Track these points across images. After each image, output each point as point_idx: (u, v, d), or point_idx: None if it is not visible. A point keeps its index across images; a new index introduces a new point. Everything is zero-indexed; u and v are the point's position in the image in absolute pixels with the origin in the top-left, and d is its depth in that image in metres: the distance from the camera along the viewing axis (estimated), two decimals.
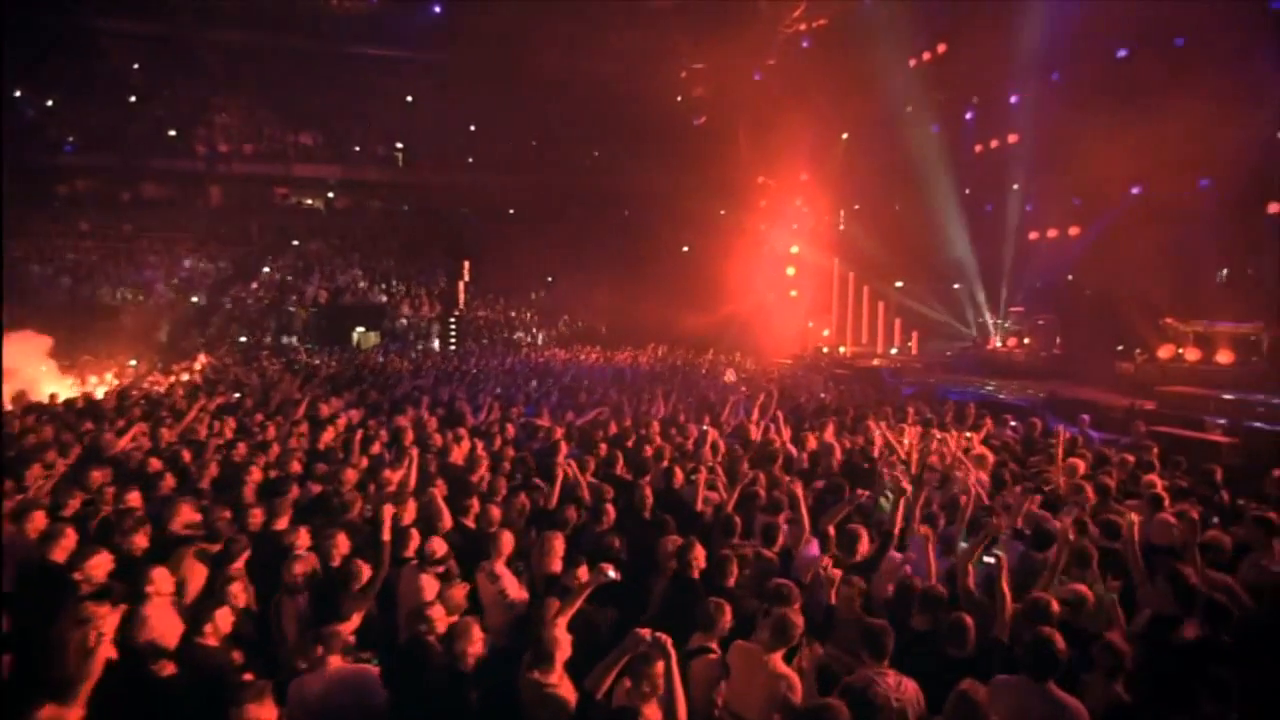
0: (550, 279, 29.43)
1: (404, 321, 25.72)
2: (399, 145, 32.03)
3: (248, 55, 27.55)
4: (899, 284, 21.04)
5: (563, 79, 25.82)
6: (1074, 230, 17.19)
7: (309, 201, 32.46)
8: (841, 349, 20.17)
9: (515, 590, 4.47)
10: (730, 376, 14.07)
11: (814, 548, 4.96)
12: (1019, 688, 3.30)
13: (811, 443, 7.59)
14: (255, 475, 5.87)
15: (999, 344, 17.77)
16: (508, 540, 4.51)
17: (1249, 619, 4.12)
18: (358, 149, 31.18)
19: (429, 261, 29.99)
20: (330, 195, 32.14)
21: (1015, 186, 18.40)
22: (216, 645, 3.64)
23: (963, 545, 4.89)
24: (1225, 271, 14.31)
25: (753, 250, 22.76)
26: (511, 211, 32.38)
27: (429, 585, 4.26)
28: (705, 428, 7.72)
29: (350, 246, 29.88)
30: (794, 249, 22.07)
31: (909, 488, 5.94)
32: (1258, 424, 9.11)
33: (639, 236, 27.02)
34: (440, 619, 3.64)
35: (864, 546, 4.63)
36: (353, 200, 32.62)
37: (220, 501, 5.41)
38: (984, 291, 19.33)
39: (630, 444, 7.57)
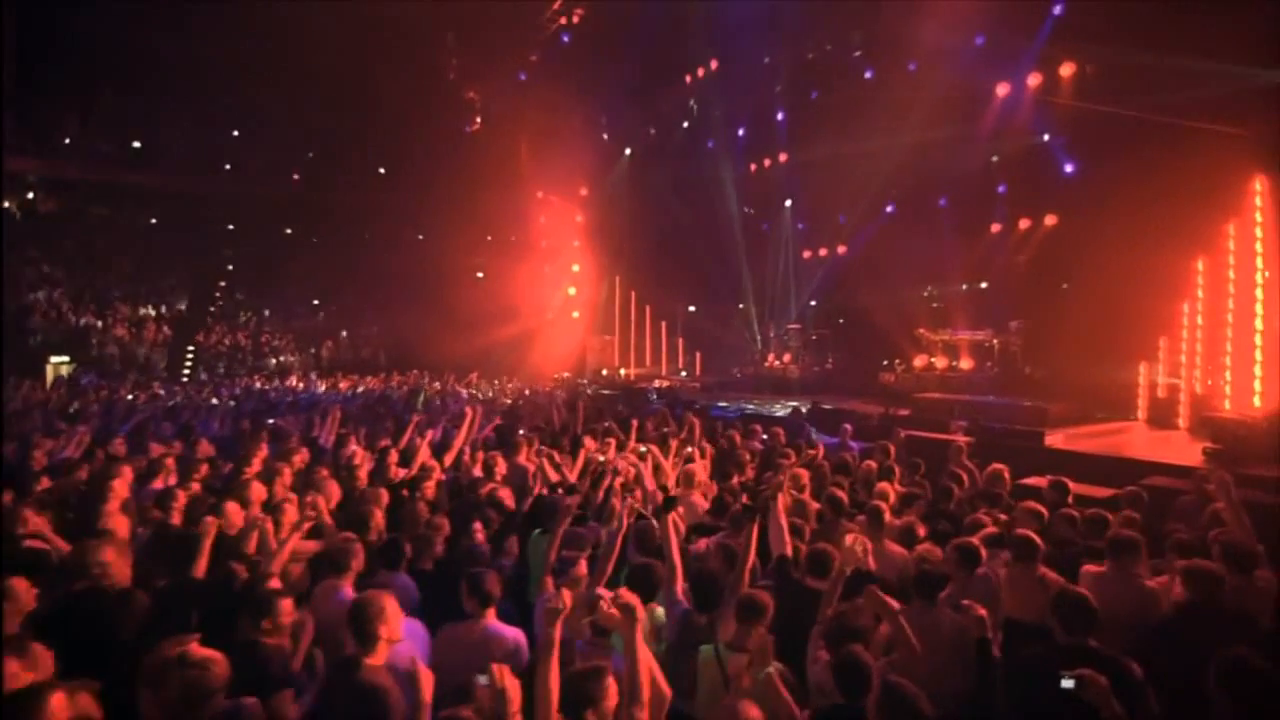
0: (317, 302, 25.86)
1: (114, 349, 20.96)
2: (136, 144, 26.79)
3: None
4: (692, 308, 20.39)
5: (335, 82, 22.84)
6: (841, 248, 17.58)
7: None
8: (623, 371, 19.08)
9: None
10: (464, 396, 12.23)
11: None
12: None
13: (502, 466, 5.90)
14: None
15: (776, 361, 17.59)
16: None
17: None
18: (69, 141, 25.52)
19: (170, 280, 25.25)
20: (30, 195, 25.98)
21: (788, 204, 18.60)
22: None
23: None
24: (965, 286, 15.03)
25: (534, 269, 21.18)
26: (289, 231, 28.20)
27: None
28: (353, 449, 5.72)
29: (55, 260, 24.23)
30: (575, 267, 20.80)
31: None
32: (991, 424, 9.03)
33: (419, 256, 24.45)
34: None
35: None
36: (65, 204, 26.66)
37: None
38: (765, 310, 19.32)
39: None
